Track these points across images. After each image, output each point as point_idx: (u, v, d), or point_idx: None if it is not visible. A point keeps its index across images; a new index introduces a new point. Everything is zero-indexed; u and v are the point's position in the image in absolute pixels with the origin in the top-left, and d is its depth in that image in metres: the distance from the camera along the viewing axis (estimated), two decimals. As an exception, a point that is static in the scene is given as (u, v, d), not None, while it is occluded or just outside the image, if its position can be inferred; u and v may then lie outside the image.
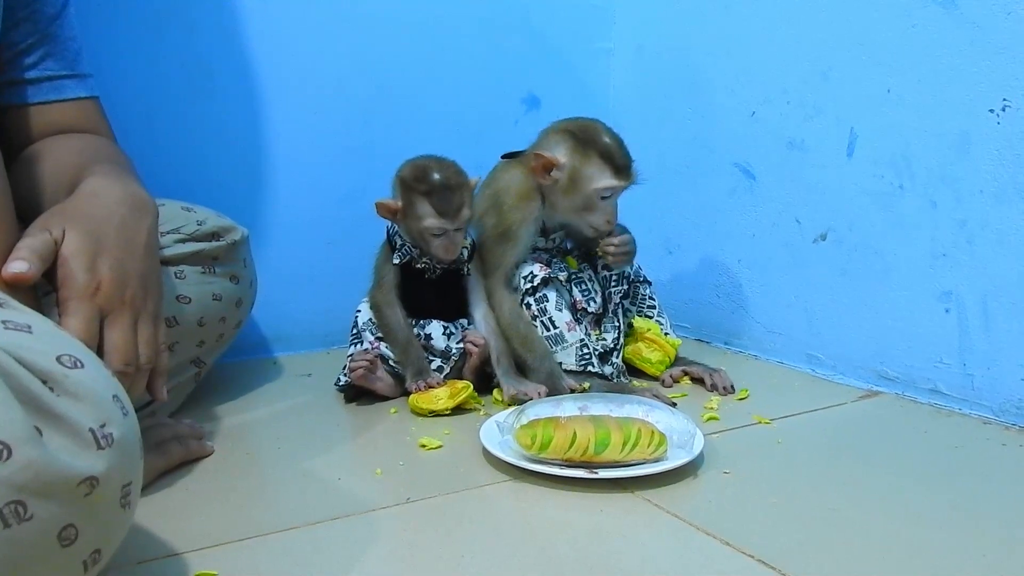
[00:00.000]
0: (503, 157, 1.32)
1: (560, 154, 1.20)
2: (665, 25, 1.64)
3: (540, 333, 1.23)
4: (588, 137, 1.20)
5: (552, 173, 1.20)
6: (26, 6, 0.94)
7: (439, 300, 1.24)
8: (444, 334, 1.22)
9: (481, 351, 1.20)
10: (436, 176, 1.15)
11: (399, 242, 1.21)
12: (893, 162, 1.23)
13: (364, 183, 1.52)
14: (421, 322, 1.23)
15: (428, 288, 1.23)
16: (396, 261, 1.20)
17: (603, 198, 1.20)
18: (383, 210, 1.19)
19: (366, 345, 1.21)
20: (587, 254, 1.34)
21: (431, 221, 1.15)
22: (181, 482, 0.91)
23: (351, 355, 1.22)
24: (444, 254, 1.18)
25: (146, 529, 0.79)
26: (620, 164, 1.19)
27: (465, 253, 1.22)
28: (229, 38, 1.40)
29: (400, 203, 1.17)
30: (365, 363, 1.16)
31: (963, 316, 1.16)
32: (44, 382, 0.52)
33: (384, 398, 1.20)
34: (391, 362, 1.20)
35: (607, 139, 1.19)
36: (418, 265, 1.21)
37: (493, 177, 1.30)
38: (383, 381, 1.19)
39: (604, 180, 1.19)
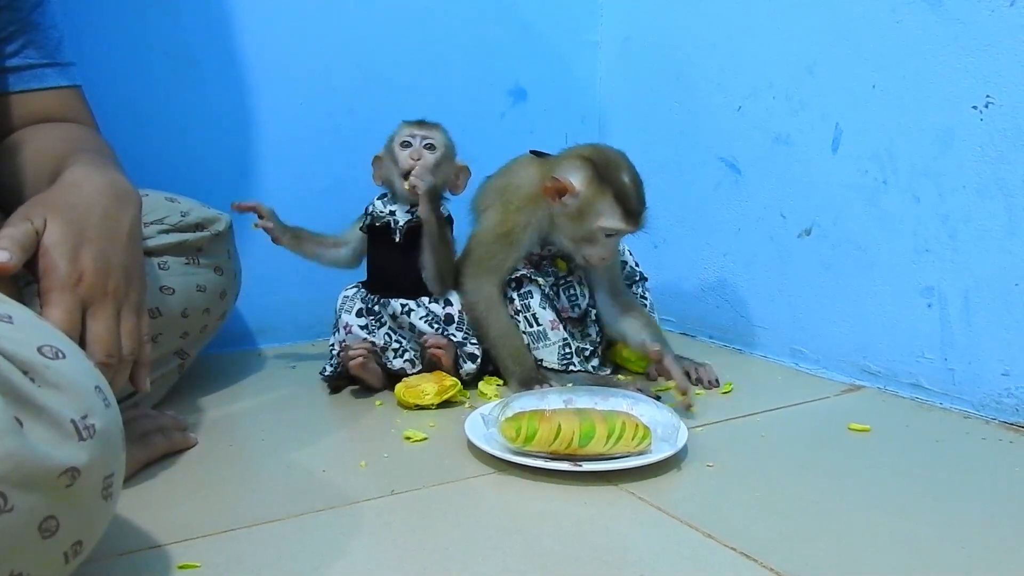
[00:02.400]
0: (531, 152, 1.30)
1: (576, 181, 1.17)
2: (652, 18, 1.64)
3: (522, 328, 1.23)
4: (607, 172, 1.16)
5: (564, 198, 1.18)
6: (6, -7, 0.93)
7: (402, 270, 1.23)
8: (404, 312, 1.21)
9: (447, 353, 1.20)
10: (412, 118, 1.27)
11: (368, 208, 1.26)
12: (877, 157, 1.24)
13: (349, 174, 1.51)
14: (382, 301, 1.22)
15: (392, 257, 1.23)
16: (360, 226, 1.26)
17: (607, 236, 1.18)
18: (376, 164, 1.27)
19: (342, 331, 1.21)
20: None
21: (401, 132, 1.24)
22: (164, 474, 0.91)
23: (332, 344, 1.22)
24: (408, 162, 1.21)
25: (128, 521, 0.78)
26: (632, 208, 1.15)
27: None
28: (213, 26, 1.39)
29: (383, 151, 1.27)
30: (363, 351, 1.16)
31: (945, 311, 1.17)
32: (25, 373, 0.52)
33: (371, 390, 1.20)
34: (379, 352, 1.20)
35: (626, 179, 1.16)
36: (379, 223, 1.23)
37: (508, 168, 1.30)
38: (375, 373, 1.19)
39: (612, 221, 1.16)
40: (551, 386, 1.17)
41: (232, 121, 1.43)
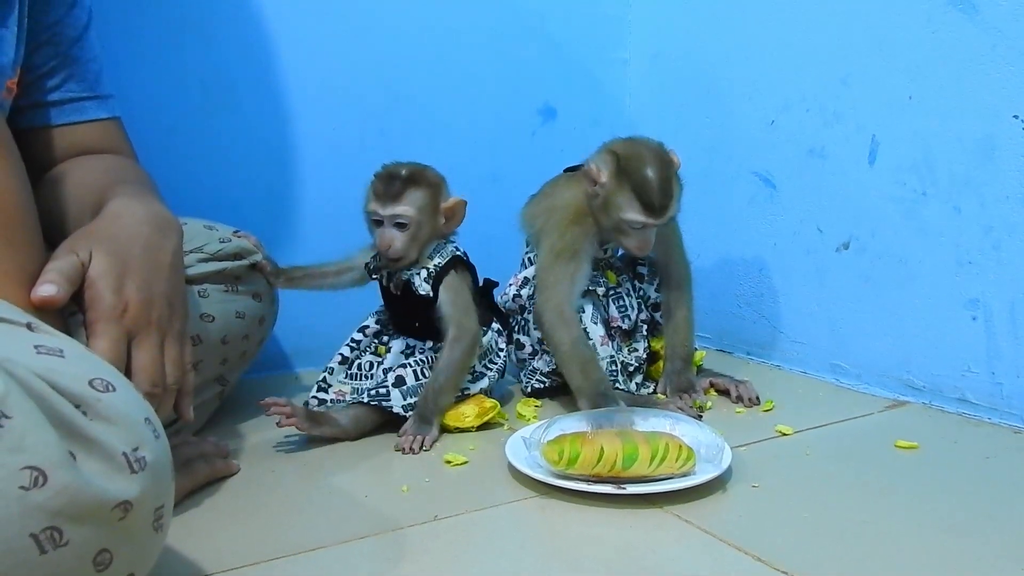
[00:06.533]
0: (566, 170, 1.31)
1: (602, 175, 1.18)
2: (681, 33, 1.63)
3: None
4: (629, 166, 1.16)
5: (596, 187, 1.19)
6: (48, 29, 0.95)
7: (403, 317, 1.20)
8: (402, 352, 1.18)
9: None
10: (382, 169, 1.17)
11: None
12: (916, 168, 1.22)
13: (382, 197, 1.52)
14: (388, 335, 1.22)
15: (394, 304, 1.21)
16: (366, 262, 1.21)
17: (634, 228, 1.18)
18: None
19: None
20: (627, 263, 1.36)
21: (370, 200, 1.16)
22: (208, 501, 0.91)
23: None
24: (379, 243, 1.14)
25: (175, 550, 0.78)
26: (651, 202, 1.14)
27: (418, 279, 1.15)
28: (247, 53, 1.41)
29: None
30: (287, 412, 1.06)
31: (990, 323, 1.15)
32: (77, 406, 0.52)
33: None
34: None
35: (649, 173, 1.15)
36: (373, 276, 1.21)
37: (552, 190, 1.30)
38: (325, 423, 1.10)
39: (632, 214, 1.16)
40: (620, 404, 1.13)
41: (266, 147, 1.44)
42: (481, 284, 1.27)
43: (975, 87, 1.14)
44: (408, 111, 1.54)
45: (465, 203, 1.19)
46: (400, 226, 1.13)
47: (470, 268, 1.21)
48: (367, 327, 1.24)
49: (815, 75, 1.36)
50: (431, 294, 1.15)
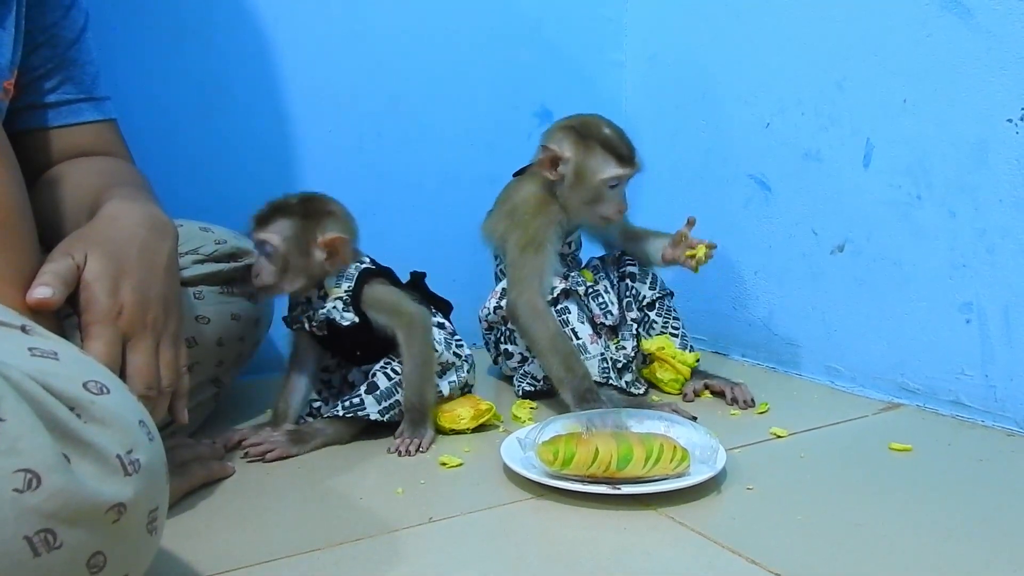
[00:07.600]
0: (514, 175, 1.32)
1: (565, 149, 1.22)
2: (678, 36, 1.64)
3: None
4: (589, 131, 1.22)
5: (559, 168, 1.22)
6: (45, 31, 0.95)
7: (348, 354, 1.18)
8: (362, 371, 1.17)
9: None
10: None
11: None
12: (910, 172, 1.22)
13: (378, 199, 1.52)
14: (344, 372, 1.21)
15: (332, 348, 1.18)
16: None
17: (611, 187, 1.22)
18: None
19: None
20: (606, 262, 1.38)
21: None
22: (203, 504, 0.91)
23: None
24: (252, 274, 1.10)
25: (170, 552, 0.78)
26: (623, 152, 1.21)
27: (337, 313, 1.10)
28: (245, 56, 1.41)
29: None
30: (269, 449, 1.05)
31: (984, 326, 1.15)
32: (71, 409, 0.52)
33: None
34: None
35: (607, 130, 1.23)
36: (293, 327, 1.16)
37: (507, 195, 1.31)
38: (312, 440, 1.08)
39: (609, 169, 1.21)
40: (605, 403, 1.14)
41: (264, 149, 1.45)
42: (409, 279, 1.21)
43: (969, 90, 1.14)
44: (405, 113, 1.55)
45: (345, 240, 1.10)
46: (268, 255, 1.08)
47: (382, 272, 1.16)
48: (327, 366, 1.21)
49: (810, 78, 1.36)
50: (356, 320, 1.10)
